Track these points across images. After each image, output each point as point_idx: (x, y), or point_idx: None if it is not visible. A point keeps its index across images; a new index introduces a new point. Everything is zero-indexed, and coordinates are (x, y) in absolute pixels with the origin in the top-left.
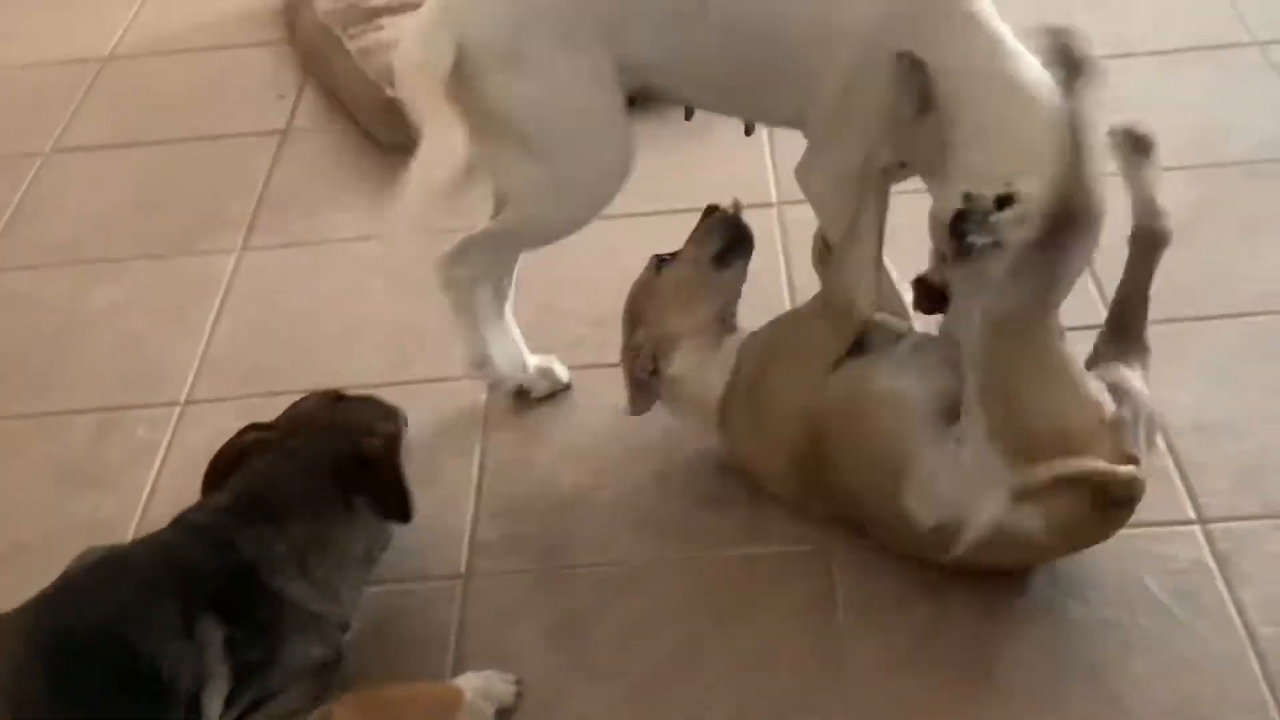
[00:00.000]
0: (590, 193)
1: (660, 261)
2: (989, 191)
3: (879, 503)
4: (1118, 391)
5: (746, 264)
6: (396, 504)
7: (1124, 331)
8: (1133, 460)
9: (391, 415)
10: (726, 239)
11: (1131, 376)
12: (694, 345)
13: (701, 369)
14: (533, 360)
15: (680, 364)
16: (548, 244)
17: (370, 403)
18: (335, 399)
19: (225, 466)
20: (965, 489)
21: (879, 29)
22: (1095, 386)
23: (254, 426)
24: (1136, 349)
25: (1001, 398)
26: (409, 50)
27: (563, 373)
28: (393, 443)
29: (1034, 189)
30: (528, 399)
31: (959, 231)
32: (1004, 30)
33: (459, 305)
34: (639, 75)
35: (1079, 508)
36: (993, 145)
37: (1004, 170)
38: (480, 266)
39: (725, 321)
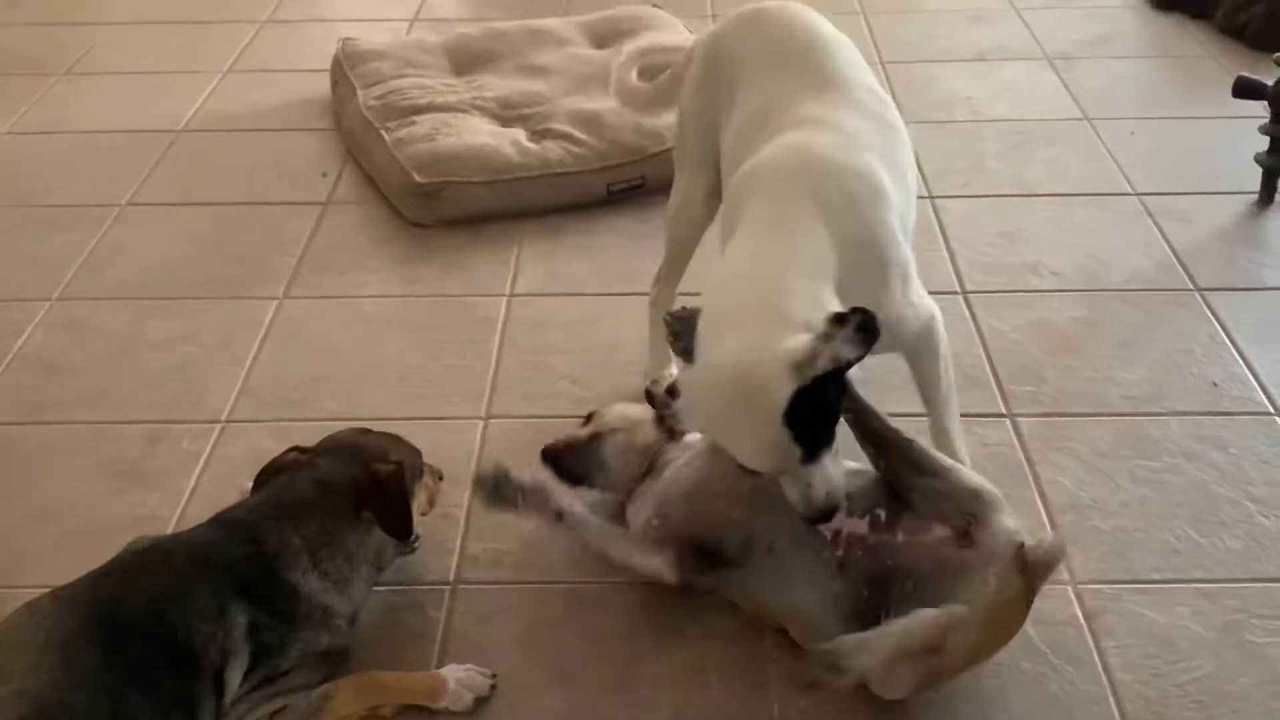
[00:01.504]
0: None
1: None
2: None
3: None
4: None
5: None
6: (397, 523)
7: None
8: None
9: (410, 450)
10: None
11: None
12: None
13: None
14: None
15: None
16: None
17: (391, 438)
18: (363, 432)
19: (267, 477)
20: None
21: None
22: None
23: (295, 448)
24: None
25: None
26: None
27: None
28: (400, 471)
29: None
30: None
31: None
32: None
33: (650, 322)
34: None
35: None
36: None
37: None
38: (659, 290)
39: None
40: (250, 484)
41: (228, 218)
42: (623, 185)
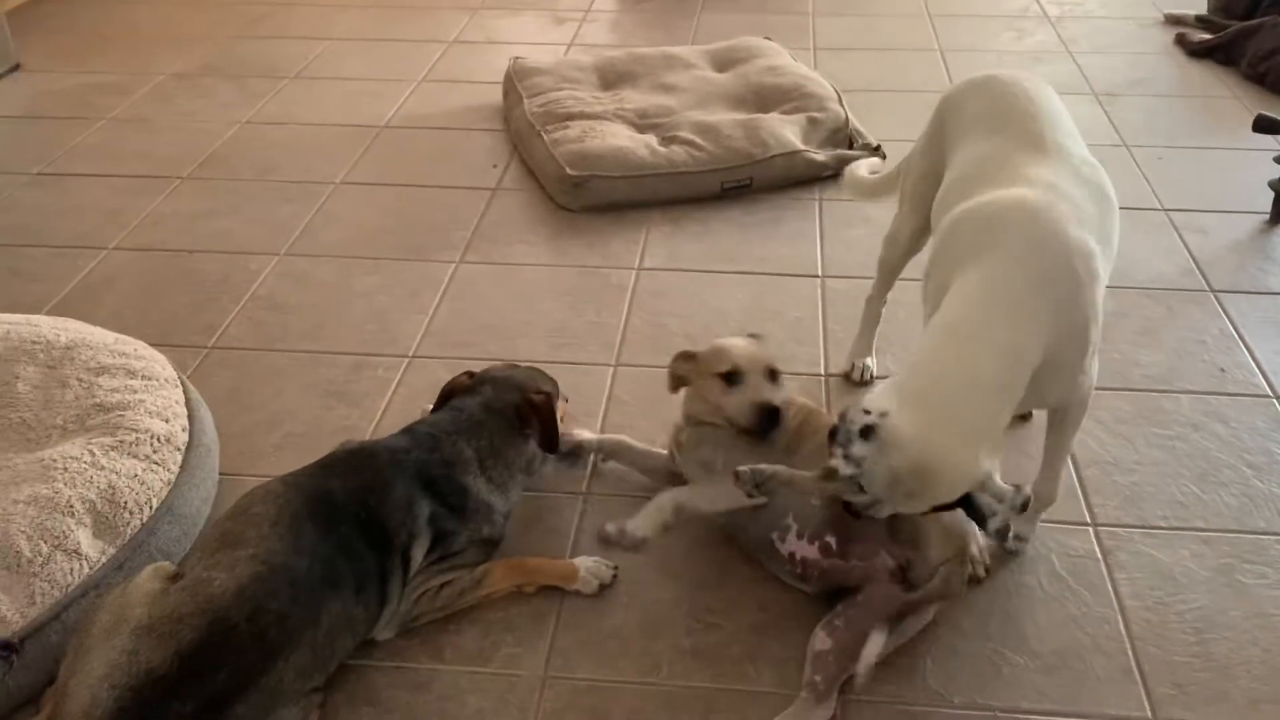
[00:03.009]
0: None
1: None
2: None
3: None
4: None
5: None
6: (549, 438)
7: None
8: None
9: (550, 382)
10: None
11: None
12: None
13: None
14: None
15: None
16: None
17: (537, 371)
18: (513, 366)
19: (446, 394)
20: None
21: None
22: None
23: (467, 373)
24: None
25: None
26: None
27: None
28: (550, 398)
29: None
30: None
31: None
32: None
33: (863, 317)
34: None
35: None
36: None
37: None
38: (873, 292)
39: None
40: (430, 406)
41: (417, 197)
42: (734, 184)
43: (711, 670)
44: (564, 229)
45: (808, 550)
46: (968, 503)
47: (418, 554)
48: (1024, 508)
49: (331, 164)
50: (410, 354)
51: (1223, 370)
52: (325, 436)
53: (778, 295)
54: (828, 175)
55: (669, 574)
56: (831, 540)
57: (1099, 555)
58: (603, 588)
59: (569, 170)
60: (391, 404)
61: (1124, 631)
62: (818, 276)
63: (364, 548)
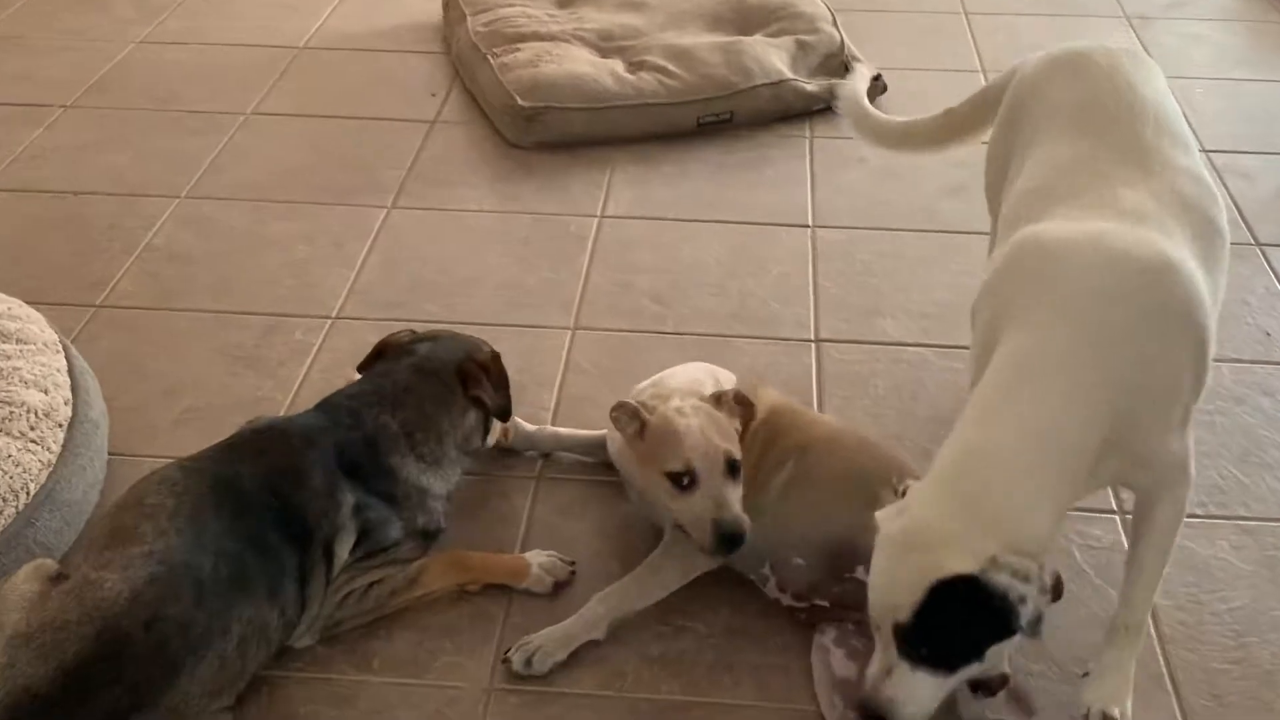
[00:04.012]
0: None
1: None
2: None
3: None
4: None
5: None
6: (502, 402)
7: None
8: None
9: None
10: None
11: None
12: None
13: None
14: None
15: None
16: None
17: (469, 338)
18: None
19: (378, 353)
20: None
21: None
22: None
23: (409, 331)
24: None
25: None
26: None
27: None
28: (499, 357)
29: None
30: None
31: None
32: None
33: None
34: None
35: None
36: None
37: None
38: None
39: None
40: (359, 373)
41: (343, 130)
42: (712, 118)
43: (682, 680)
44: (514, 169)
45: (790, 600)
46: (981, 592)
47: (342, 549)
48: (1057, 592)
49: (242, 91)
50: (333, 314)
51: (1269, 334)
52: (233, 411)
53: (761, 247)
54: (819, 108)
55: (631, 567)
56: (816, 599)
57: (1125, 547)
58: (558, 586)
59: (520, 101)
60: (311, 373)
61: (1154, 634)
62: (808, 226)
63: (279, 543)
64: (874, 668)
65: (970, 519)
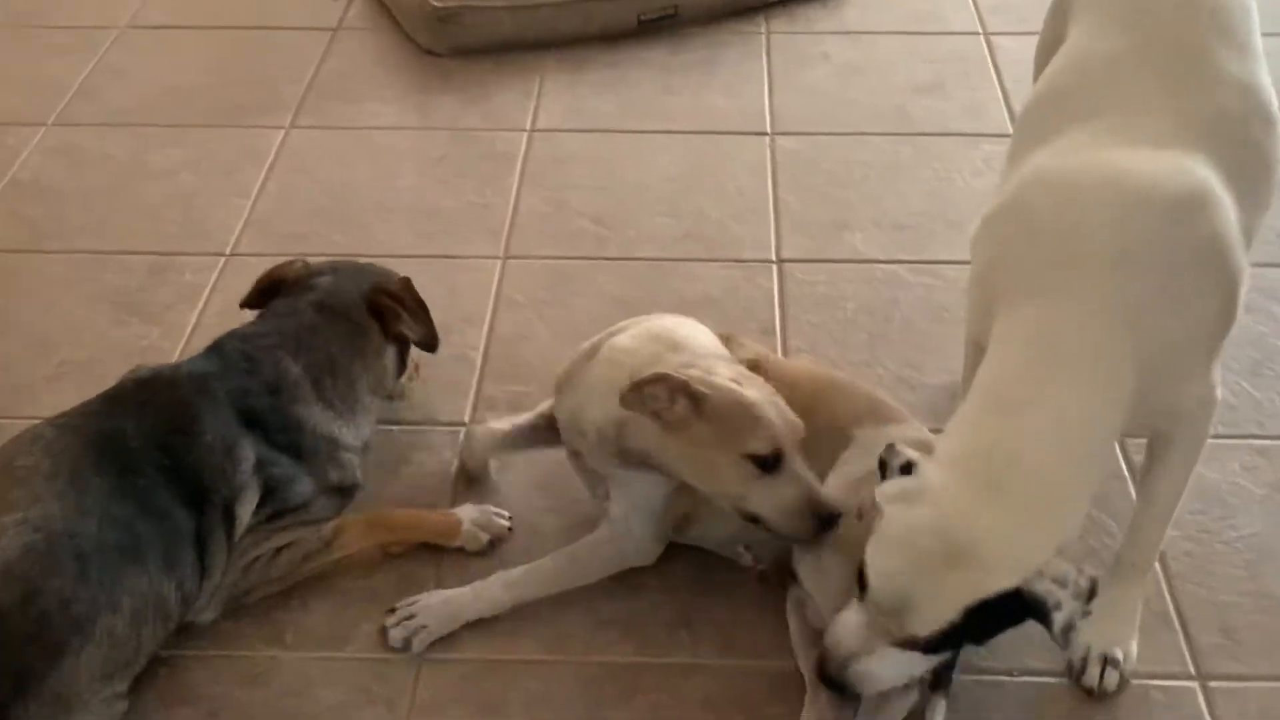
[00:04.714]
0: None
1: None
2: None
3: None
4: None
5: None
6: (425, 330)
7: None
8: None
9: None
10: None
11: None
12: None
13: None
14: None
15: None
16: None
17: (373, 266)
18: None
19: (270, 286)
20: None
21: None
22: None
23: (303, 261)
24: None
25: None
26: None
27: None
28: (409, 280)
29: None
30: None
31: None
32: None
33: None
34: None
35: None
36: None
37: None
38: None
39: None
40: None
41: (231, 42)
42: (654, 15)
43: (636, 640)
44: (430, 79)
45: (767, 566)
46: (1018, 600)
47: (244, 511)
48: (1091, 594)
49: (114, 2)
50: (227, 251)
51: None
52: (117, 363)
53: (715, 160)
54: (776, 0)
55: (578, 522)
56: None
57: (1125, 474)
58: (494, 544)
59: (434, 2)
60: (204, 317)
61: (1159, 567)
62: (765, 134)
63: (172, 506)
64: (850, 638)
65: (1016, 528)
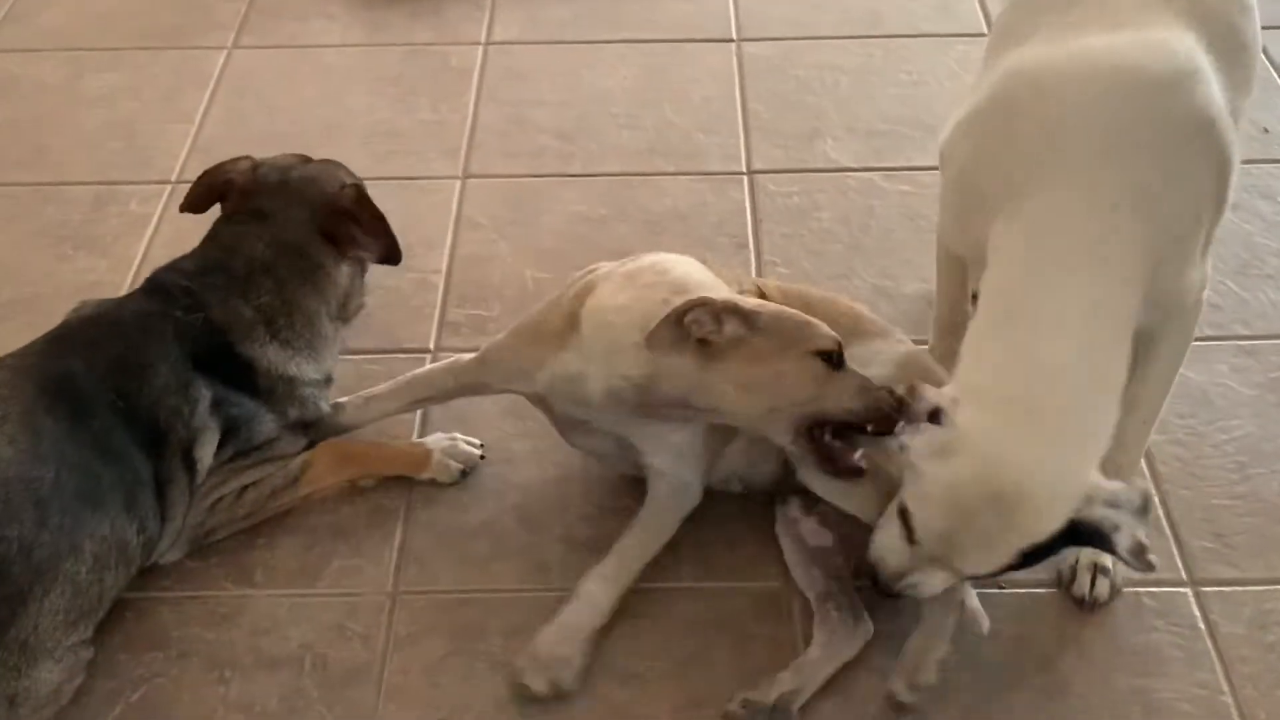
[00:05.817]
0: None
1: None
2: None
3: None
4: None
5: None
6: (385, 244)
7: None
8: None
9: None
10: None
11: None
12: None
13: None
14: None
15: None
16: None
17: (324, 170)
18: (302, 160)
19: (216, 187)
20: None
21: None
22: None
23: (249, 159)
24: None
25: None
26: None
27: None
28: (362, 188)
29: None
30: None
31: None
32: None
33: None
34: None
35: None
36: None
37: None
38: None
39: None
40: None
41: None
42: None
43: None
44: None
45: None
46: (1074, 531)
47: (205, 453)
48: (1145, 507)
49: None
50: (172, 178)
51: (1266, 131)
52: (64, 299)
53: (679, 69)
54: None
55: (553, 445)
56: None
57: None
58: (465, 474)
59: None
60: (152, 247)
61: (1147, 472)
62: (731, 40)
63: (129, 448)
64: (897, 560)
65: (1059, 459)
